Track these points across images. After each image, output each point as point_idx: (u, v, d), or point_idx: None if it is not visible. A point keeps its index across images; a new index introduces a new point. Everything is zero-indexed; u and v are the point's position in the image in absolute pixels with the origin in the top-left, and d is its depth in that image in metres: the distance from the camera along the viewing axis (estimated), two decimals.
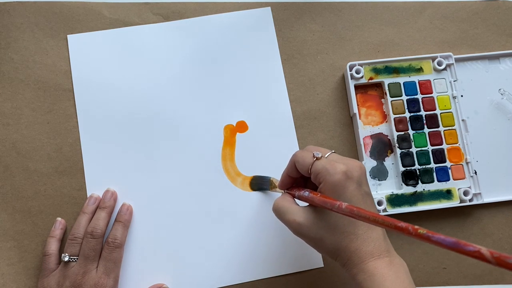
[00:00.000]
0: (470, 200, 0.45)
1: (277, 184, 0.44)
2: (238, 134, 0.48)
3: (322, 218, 0.34)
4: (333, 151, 0.37)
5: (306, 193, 0.36)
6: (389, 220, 0.29)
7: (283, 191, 0.40)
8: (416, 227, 0.28)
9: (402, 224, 0.28)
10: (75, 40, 0.49)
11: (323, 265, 0.45)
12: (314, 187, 0.37)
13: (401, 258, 0.35)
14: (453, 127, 0.47)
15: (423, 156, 0.46)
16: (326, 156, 0.36)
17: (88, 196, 0.46)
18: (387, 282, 0.32)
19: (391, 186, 0.46)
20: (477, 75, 0.49)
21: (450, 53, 0.48)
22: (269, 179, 0.46)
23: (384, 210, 0.45)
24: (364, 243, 0.34)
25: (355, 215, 0.31)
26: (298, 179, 0.39)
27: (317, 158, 0.35)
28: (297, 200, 0.38)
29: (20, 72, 0.48)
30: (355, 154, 0.47)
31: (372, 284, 0.32)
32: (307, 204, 0.37)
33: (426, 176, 0.45)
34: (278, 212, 0.37)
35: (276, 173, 0.47)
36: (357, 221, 0.34)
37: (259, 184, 0.46)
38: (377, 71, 0.47)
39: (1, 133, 0.47)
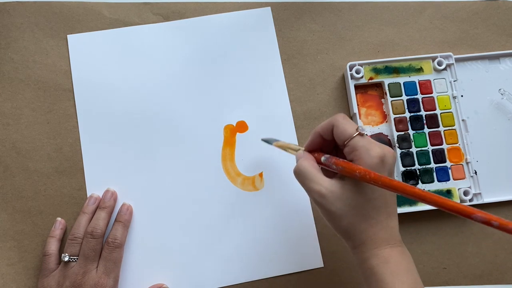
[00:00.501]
0: (470, 200, 0.45)
1: (287, 144, 0.41)
2: (238, 134, 0.48)
3: (348, 196, 0.33)
4: (366, 133, 0.36)
5: (343, 160, 0.34)
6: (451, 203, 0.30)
7: (298, 151, 0.38)
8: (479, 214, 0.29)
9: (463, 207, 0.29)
10: (75, 40, 0.49)
11: (323, 265, 0.45)
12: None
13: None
14: (453, 127, 0.47)
15: (423, 156, 0.46)
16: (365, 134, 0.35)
17: (88, 196, 0.46)
18: (400, 270, 0.32)
19: None
20: (477, 75, 0.49)
21: (450, 53, 0.48)
22: (275, 139, 0.44)
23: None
24: (382, 230, 0.33)
25: (415, 193, 0.31)
26: (325, 144, 0.37)
27: (360, 134, 0.34)
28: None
29: (20, 72, 0.48)
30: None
31: (385, 270, 0.32)
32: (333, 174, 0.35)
33: (426, 176, 0.45)
34: (302, 176, 0.35)
35: (277, 173, 0.47)
36: (380, 207, 0.33)
37: (267, 139, 0.45)
38: (377, 71, 0.47)
39: (1, 133, 0.47)
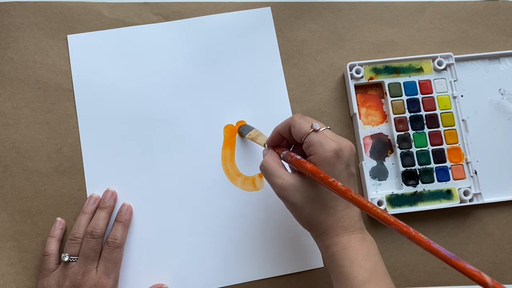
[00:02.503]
0: (470, 200, 0.45)
1: (258, 135, 0.44)
2: (238, 134, 0.48)
3: (307, 188, 0.35)
4: (328, 127, 0.37)
5: (297, 156, 0.36)
6: (383, 215, 0.30)
7: (264, 145, 0.41)
8: (410, 229, 0.29)
9: (400, 224, 0.30)
10: (75, 40, 0.49)
11: (323, 265, 0.45)
12: (299, 152, 0.38)
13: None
14: (453, 127, 0.47)
15: (423, 156, 0.46)
16: (322, 130, 0.36)
17: (88, 196, 0.46)
18: (358, 255, 0.34)
19: (391, 186, 0.46)
20: (477, 75, 0.49)
21: (450, 53, 0.48)
22: (251, 128, 0.46)
23: (384, 210, 0.44)
24: (341, 219, 0.35)
25: (348, 198, 0.32)
26: (286, 140, 0.40)
27: (315, 130, 0.36)
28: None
29: (20, 72, 0.48)
30: (355, 154, 0.47)
31: (344, 256, 0.34)
32: (293, 170, 0.38)
33: (426, 176, 0.45)
34: (266, 172, 0.37)
35: None
36: (338, 197, 0.35)
37: (242, 129, 0.46)
38: (377, 71, 0.47)
39: (1, 133, 0.47)
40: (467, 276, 0.26)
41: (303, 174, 0.36)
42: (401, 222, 0.30)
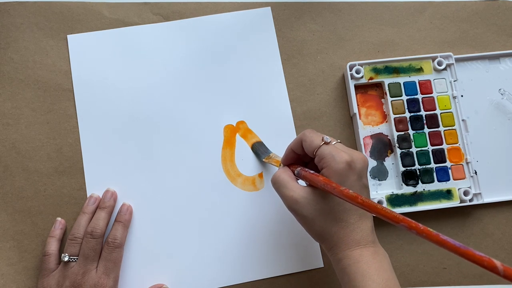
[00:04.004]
0: (470, 200, 0.45)
1: (274, 158, 0.44)
2: (238, 134, 0.48)
3: (319, 201, 0.35)
4: (339, 140, 0.37)
5: (310, 171, 0.36)
6: (392, 215, 0.30)
7: (280, 165, 0.41)
8: (419, 225, 0.29)
9: (408, 221, 0.29)
10: (75, 40, 0.49)
11: (323, 265, 0.45)
12: (314, 168, 0.37)
13: (386, 251, 0.36)
14: (453, 127, 0.47)
15: (423, 156, 0.46)
16: (333, 143, 0.36)
17: (88, 196, 0.46)
18: (371, 269, 0.34)
19: (391, 186, 0.46)
20: (477, 75, 0.49)
21: (450, 53, 0.48)
22: (269, 152, 0.46)
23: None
24: (353, 232, 0.35)
25: (358, 203, 0.31)
26: (300, 157, 0.40)
27: (326, 143, 0.36)
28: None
29: (20, 72, 0.48)
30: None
31: (356, 270, 0.34)
32: (306, 184, 0.37)
33: (426, 176, 0.45)
34: (277, 184, 0.37)
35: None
36: (350, 210, 0.35)
37: (258, 149, 0.46)
38: (377, 71, 0.47)
39: (1, 133, 0.47)
40: (477, 263, 0.26)
41: (315, 187, 0.36)
42: (408, 219, 0.29)
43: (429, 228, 0.28)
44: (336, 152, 0.35)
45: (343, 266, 0.35)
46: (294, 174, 0.38)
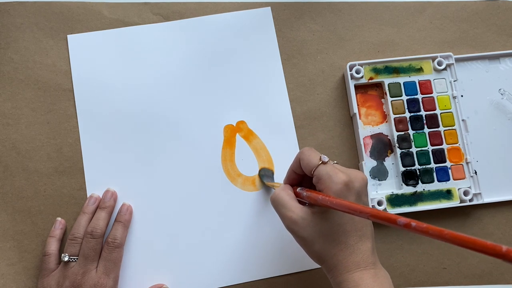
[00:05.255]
0: (470, 200, 0.45)
1: (276, 183, 0.44)
2: (238, 134, 0.48)
3: (318, 222, 0.35)
4: (336, 162, 0.37)
5: (304, 192, 0.36)
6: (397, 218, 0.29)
7: (280, 185, 0.40)
8: (416, 222, 0.28)
9: (402, 219, 0.29)
10: (75, 40, 0.49)
11: None
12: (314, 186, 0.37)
13: (386, 271, 0.36)
14: (453, 127, 0.47)
15: (423, 156, 0.46)
16: (332, 163, 0.36)
17: (88, 196, 0.46)
18: None
19: (391, 186, 0.46)
20: (477, 75, 0.49)
21: (450, 53, 0.48)
22: (273, 180, 0.46)
23: (384, 210, 0.45)
24: (353, 254, 0.34)
25: (357, 210, 0.31)
26: (301, 178, 0.39)
27: (323, 162, 0.35)
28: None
29: (20, 72, 0.48)
30: (355, 154, 0.47)
31: None
32: (306, 203, 0.37)
33: (426, 176, 0.45)
34: (277, 203, 0.37)
35: (277, 174, 0.47)
36: (350, 231, 0.34)
37: (265, 173, 0.46)
38: (377, 71, 0.47)
39: (1, 133, 0.47)
40: (482, 251, 0.25)
41: (314, 208, 0.35)
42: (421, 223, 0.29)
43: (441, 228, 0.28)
44: (333, 173, 0.34)
45: None
46: (298, 196, 0.37)
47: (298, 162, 0.38)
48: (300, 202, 0.37)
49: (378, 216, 0.30)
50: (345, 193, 0.34)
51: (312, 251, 0.35)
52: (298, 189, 0.37)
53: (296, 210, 0.35)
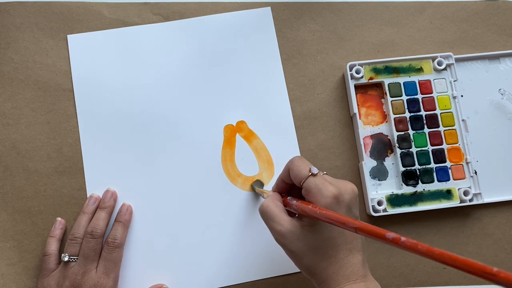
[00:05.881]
0: (470, 200, 0.45)
1: (266, 191, 0.43)
2: (239, 134, 0.48)
3: (307, 236, 0.34)
4: (325, 172, 0.36)
5: (294, 201, 0.35)
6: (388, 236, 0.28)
7: (268, 193, 0.40)
8: (400, 237, 0.27)
9: (390, 234, 0.28)
10: (75, 40, 0.49)
11: None
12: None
13: (377, 282, 0.35)
14: (453, 127, 0.47)
15: (423, 156, 0.46)
16: (321, 174, 0.35)
17: (88, 196, 0.46)
18: None
19: (391, 186, 0.46)
20: (477, 75, 0.49)
21: (450, 53, 0.48)
22: (262, 187, 0.45)
23: (384, 210, 0.45)
24: (343, 267, 0.34)
25: (351, 225, 0.30)
26: (290, 187, 0.38)
27: (313, 174, 0.35)
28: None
29: (20, 72, 0.48)
30: (355, 154, 0.47)
31: None
32: (295, 214, 0.36)
33: (426, 176, 0.45)
34: (265, 215, 0.36)
35: (276, 175, 0.47)
36: (339, 245, 0.34)
37: (255, 184, 0.46)
38: (377, 71, 0.47)
39: (1, 133, 0.47)
40: (472, 272, 0.25)
41: (303, 220, 0.34)
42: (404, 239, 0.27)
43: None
44: (323, 186, 0.34)
45: None
46: (287, 205, 0.37)
47: (287, 171, 0.37)
48: (289, 212, 0.36)
49: (366, 230, 0.29)
50: (335, 206, 0.33)
51: (302, 265, 0.35)
52: (288, 198, 0.37)
53: (285, 223, 0.35)
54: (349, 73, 0.47)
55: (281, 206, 0.36)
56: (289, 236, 0.34)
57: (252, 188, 0.46)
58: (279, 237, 0.35)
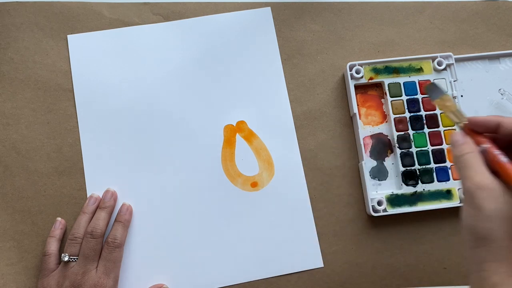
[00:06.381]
0: None
1: (450, 105, 0.35)
2: (239, 134, 0.48)
3: (509, 201, 0.28)
4: None
5: (502, 159, 0.29)
6: None
7: (460, 126, 0.34)
8: None
9: None
10: (75, 40, 0.49)
11: (323, 265, 0.45)
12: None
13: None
14: (453, 127, 0.46)
15: (423, 156, 0.46)
16: None
17: (88, 196, 0.46)
18: None
19: (391, 186, 0.46)
20: (477, 75, 0.49)
21: (450, 53, 0.48)
22: (442, 91, 0.37)
23: (384, 210, 0.45)
24: None
25: None
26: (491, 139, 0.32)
27: None
28: None
29: (20, 72, 0.48)
30: (355, 154, 0.47)
31: None
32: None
33: (426, 176, 0.45)
34: (463, 163, 0.30)
35: (276, 176, 0.47)
36: None
37: (430, 91, 0.38)
38: (377, 71, 0.47)
39: (1, 133, 0.47)
40: None
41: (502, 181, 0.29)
42: None
43: None
44: None
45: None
46: (487, 150, 0.31)
47: (494, 125, 0.31)
48: None
49: None
50: None
51: (480, 228, 0.28)
52: (482, 147, 0.31)
53: (486, 175, 0.29)
54: (349, 73, 0.47)
55: (482, 158, 0.31)
56: (489, 192, 0.28)
57: (428, 93, 0.38)
58: (476, 190, 0.29)
